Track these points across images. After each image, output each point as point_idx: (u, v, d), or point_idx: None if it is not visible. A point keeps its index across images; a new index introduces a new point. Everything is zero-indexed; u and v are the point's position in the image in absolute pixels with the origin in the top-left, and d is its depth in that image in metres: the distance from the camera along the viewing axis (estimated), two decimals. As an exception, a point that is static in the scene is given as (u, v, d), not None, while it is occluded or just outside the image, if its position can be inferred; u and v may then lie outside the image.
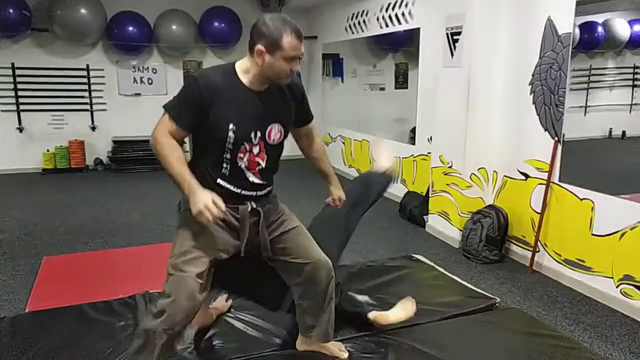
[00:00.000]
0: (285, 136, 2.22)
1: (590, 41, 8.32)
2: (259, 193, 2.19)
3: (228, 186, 2.10)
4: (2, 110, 7.17)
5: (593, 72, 9.09)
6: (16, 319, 2.93)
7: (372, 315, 2.77)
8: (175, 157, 1.98)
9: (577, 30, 7.99)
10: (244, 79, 2.05)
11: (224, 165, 2.08)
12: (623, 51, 9.10)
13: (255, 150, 2.11)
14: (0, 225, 4.85)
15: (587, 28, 8.15)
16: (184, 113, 2.02)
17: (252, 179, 2.14)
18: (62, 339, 2.68)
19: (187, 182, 1.96)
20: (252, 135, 2.08)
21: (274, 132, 2.14)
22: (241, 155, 2.08)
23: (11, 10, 6.50)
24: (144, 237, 4.50)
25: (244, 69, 2.05)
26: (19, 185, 6.65)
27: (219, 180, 2.09)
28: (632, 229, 3.04)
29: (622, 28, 8.41)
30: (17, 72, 7.11)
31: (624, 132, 9.44)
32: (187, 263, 2.04)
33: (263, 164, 2.15)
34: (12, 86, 7.13)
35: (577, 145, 8.31)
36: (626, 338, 2.83)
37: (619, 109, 9.39)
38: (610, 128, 9.42)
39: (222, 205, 1.95)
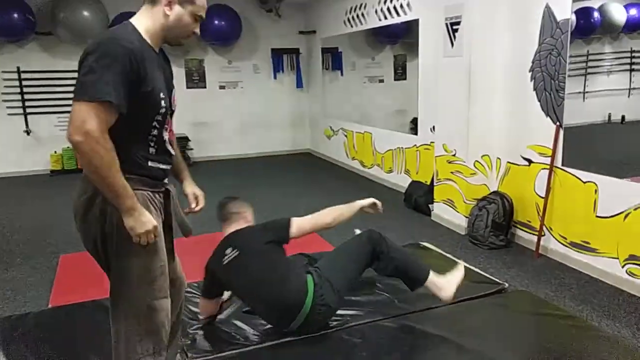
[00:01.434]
0: None
1: (587, 27, 8.36)
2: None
3: (158, 165, 1.84)
4: (9, 114, 7.26)
5: (590, 57, 9.14)
6: (41, 314, 3.03)
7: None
8: (118, 165, 1.64)
9: (574, 16, 8.05)
10: (149, 41, 1.77)
11: (151, 144, 1.80)
12: (619, 36, 9.15)
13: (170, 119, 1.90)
14: (14, 226, 4.96)
15: (584, 13, 8.20)
16: (122, 92, 1.63)
17: (171, 150, 1.92)
18: (84, 332, 2.79)
19: (132, 198, 1.67)
20: (172, 103, 1.89)
21: (175, 98, 1.95)
22: (166, 127, 1.85)
23: (16, 15, 6.57)
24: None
25: (145, 29, 1.76)
26: (28, 187, 6.75)
27: (149, 163, 1.81)
28: (635, 209, 3.13)
29: (618, 13, 8.46)
30: (23, 75, 7.20)
31: (623, 117, 9.49)
32: (160, 299, 1.83)
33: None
34: (18, 90, 7.22)
35: (577, 131, 8.39)
36: (634, 315, 2.92)
37: (618, 93, 9.44)
38: (609, 113, 9.50)
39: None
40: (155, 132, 1.80)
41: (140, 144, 1.78)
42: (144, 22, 1.78)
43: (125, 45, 1.64)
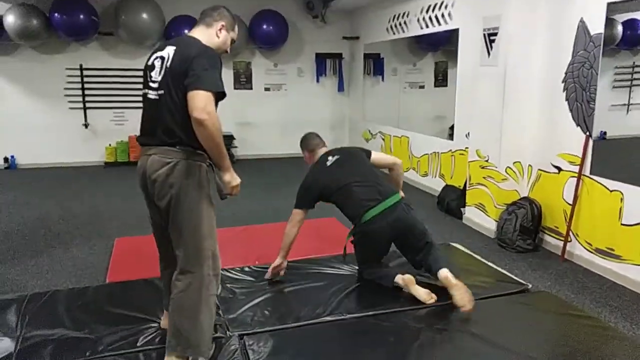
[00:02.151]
0: None
1: (633, 38, 8.29)
2: None
3: None
4: (70, 108, 7.81)
5: (636, 69, 9.05)
6: (99, 289, 3.39)
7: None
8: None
9: (620, 27, 8.03)
10: None
11: None
12: (668, 48, 9.01)
13: None
14: (74, 211, 5.41)
15: (630, 25, 8.14)
16: (222, 84, 2.26)
17: None
18: (137, 305, 3.10)
19: (229, 160, 2.33)
20: None
21: None
22: None
23: (82, 16, 7.09)
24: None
25: (205, 43, 2.35)
26: (84, 176, 7.26)
27: None
28: (658, 218, 3.24)
29: (666, 25, 8.35)
30: (85, 72, 7.75)
31: (670, 131, 9.35)
32: (217, 249, 2.45)
33: None
34: (79, 85, 7.78)
35: (618, 143, 8.33)
36: (650, 319, 3.04)
37: (665, 106, 9.30)
38: (656, 126, 9.35)
39: None
40: None
41: None
42: (203, 38, 2.38)
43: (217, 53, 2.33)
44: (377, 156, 3.53)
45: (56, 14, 7.05)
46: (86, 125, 7.93)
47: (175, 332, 2.37)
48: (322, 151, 3.55)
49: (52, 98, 7.73)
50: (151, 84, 2.36)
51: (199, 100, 2.14)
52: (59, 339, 2.74)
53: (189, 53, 2.25)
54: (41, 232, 4.71)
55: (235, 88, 8.37)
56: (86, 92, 7.82)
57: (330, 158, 3.41)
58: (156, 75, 2.33)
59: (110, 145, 7.96)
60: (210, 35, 2.41)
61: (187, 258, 2.36)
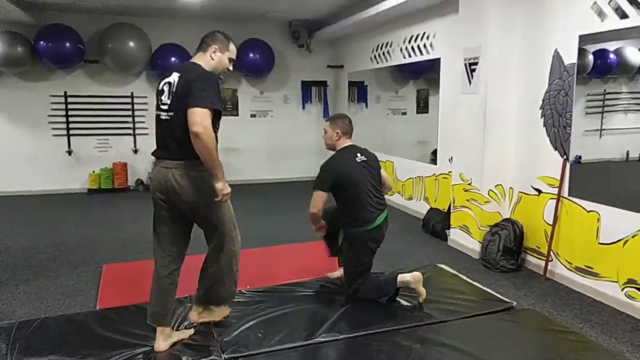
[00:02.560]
0: None
1: (604, 67, 8.68)
2: None
3: None
4: (54, 135, 7.80)
5: (607, 96, 9.43)
6: (90, 315, 3.40)
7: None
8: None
9: (591, 57, 8.41)
10: None
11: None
12: (636, 76, 9.44)
13: None
14: (59, 239, 5.38)
15: (600, 55, 8.54)
16: (218, 102, 2.67)
17: None
18: (129, 332, 3.12)
19: (222, 170, 2.65)
20: None
21: None
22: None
23: (67, 44, 7.15)
24: (192, 249, 4.94)
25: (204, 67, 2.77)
26: (68, 203, 7.22)
27: None
28: (633, 236, 3.40)
29: (633, 55, 8.78)
30: (69, 99, 7.76)
31: (640, 155, 9.71)
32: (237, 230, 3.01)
33: None
34: (64, 112, 7.78)
35: (593, 167, 8.63)
36: (629, 334, 3.16)
37: (635, 132, 9.68)
38: (627, 150, 9.70)
39: None
40: (217, 131, 2.71)
41: None
42: (202, 62, 2.81)
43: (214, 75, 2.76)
44: (384, 173, 3.75)
45: (41, 42, 7.10)
46: (70, 152, 7.91)
47: (211, 290, 3.05)
48: (349, 142, 3.66)
49: (35, 125, 7.72)
50: (162, 107, 2.77)
51: (196, 116, 2.53)
52: (51, 364, 2.74)
53: (189, 78, 2.66)
54: (27, 259, 4.68)
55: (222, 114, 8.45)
56: (70, 119, 7.83)
57: (359, 155, 3.58)
58: (165, 98, 2.74)
59: (93, 172, 7.95)
60: (206, 59, 2.82)
61: (222, 239, 2.92)
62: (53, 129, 7.80)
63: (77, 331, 3.12)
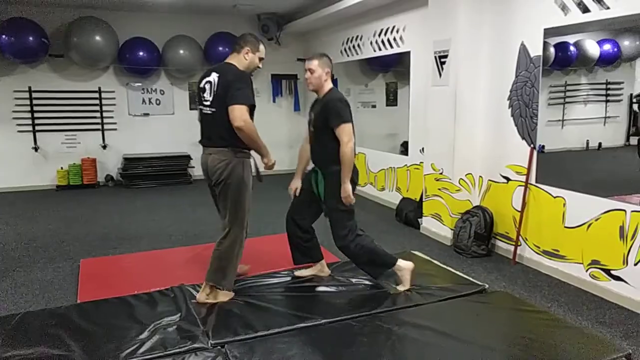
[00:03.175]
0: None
1: (564, 59, 9.05)
2: None
3: None
4: (19, 131, 7.62)
5: (568, 87, 9.83)
6: (72, 308, 3.38)
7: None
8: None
9: (552, 50, 8.74)
10: None
11: None
12: (595, 68, 9.86)
13: None
14: (30, 235, 5.30)
15: (561, 47, 8.88)
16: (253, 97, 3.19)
17: None
18: (114, 323, 3.15)
19: (266, 148, 3.37)
20: None
21: None
22: None
23: (31, 38, 6.98)
24: (167, 242, 4.97)
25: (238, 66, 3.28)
26: (36, 200, 7.08)
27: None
28: (596, 220, 3.60)
29: (592, 47, 9.16)
30: (34, 94, 7.60)
31: (599, 144, 10.16)
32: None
33: None
34: (28, 108, 7.61)
35: (556, 156, 8.98)
36: (594, 312, 3.36)
37: (595, 122, 10.12)
38: (587, 140, 10.12)
39: None
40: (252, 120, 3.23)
41: None
42: (237, 63, 3.29)
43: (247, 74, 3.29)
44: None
45: (3, 36, 6.92)
46: (36, 149, 7.75)
47: (217, 269, 3.34)
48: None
49: (-1, 121, 7.54)
50: (205, 102, 3.30)
51: (237, 112, 3.08)
52: (38, 357, 2.74)
53: (227, 79, 3.17)
54: None
55: (190, 109, 8.43)
56: (36, 114, 7.66)
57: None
58: (208, 95, 3.26)
59: (62, 168, 7.80)
60: (240, 59, 3.30)
61: (231, 223, 3.30)
62: (18, 125, 7.63)
63: (60, 324, 3.10)
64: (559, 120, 9.79)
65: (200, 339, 2.89)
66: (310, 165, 3.69)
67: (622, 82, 10.21)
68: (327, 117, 3.36)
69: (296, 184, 3.74)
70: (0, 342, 2.88)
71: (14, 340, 2.92)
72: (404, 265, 3.58)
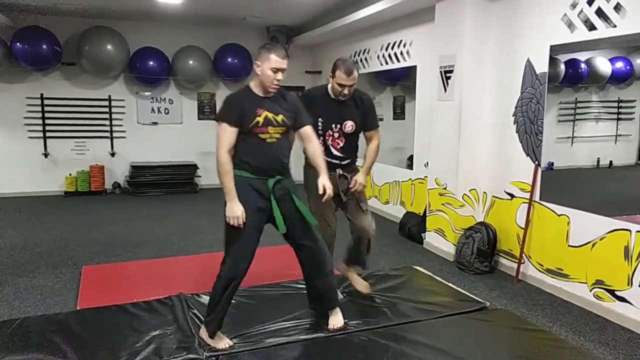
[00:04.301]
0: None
1: (575, 76, 8.98)
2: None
3: None
4: (30, 137, 7.72)
5: (579, 105, 9.75)
6: (70, 315, 3.39)
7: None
8: None
9: (562, 66, 8.69)
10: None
11: None
12: (606, 86, 9.77)
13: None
14: (36, 240, 5.34)
15: (571, 64, 8.83)
16: None
17: None
18: (112, 331, 3.15)
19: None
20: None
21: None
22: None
23: (44, 46, 7.09)
24: (169, 251, 4.98)
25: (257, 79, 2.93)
26: (44, 206, 7.14)
27: None
28: (601, 239, 3.55)
29: (603, 65, 9.10)
30: (46, 102, 7.70)
31: (610, 162, 10.05)
32: None
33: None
34: (40, 115, 7.71)
35: (565, 173, 8.90)
36: (597, 332, 3.30)
37: (605, 139, 10.02)
38: (598, 158, 10.03)
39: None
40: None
41: None
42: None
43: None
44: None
45: (18, 44, 7.04)
46: (46, 155, 7.83)
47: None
48: None
49: (11, 127, 7.63)
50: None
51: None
52: (33, 364, 2.75)
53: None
54: (4, 261, 4.64)
55: (199, 118, 8.50)
56: (47, 121, 7.76)
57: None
58: None
59: (70, 174, 7.87)
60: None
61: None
62: (29, 131, 7.73)
63: (58, 331, 3.12)
64: (569, 138, 9.71)
65: (195, 350, 2.89)
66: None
67: (635, 100, 10.12)
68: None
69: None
70: (-3, 347, 2.90)
71: (11, 345, 2.93)
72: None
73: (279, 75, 2.84)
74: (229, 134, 2.78)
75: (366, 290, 3.71)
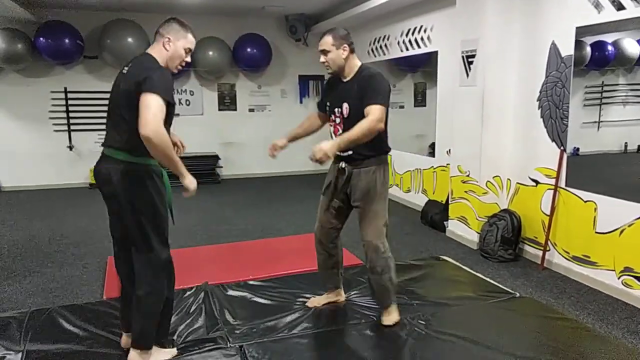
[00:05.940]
0: None
1: (601, 59, 8.75)
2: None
3: None
4: (55, 130, 7.85)
5: (605, 88, 9.50)
6: (98, 305, 3.46)
7: None
8: None
9: (589, 49, 8.47)
10: None
11: None
12: (635, 68, 9.49)
13: None
14: (63, 231, 5.45)
15: (598, 47, 8.60)
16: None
17: None
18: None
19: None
20: None
21: None
22: None
23: (67, 40, 7.19)
24: (193, 241, 5.03)
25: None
26: (69, 198, 7.27)
27: None
28: (629, 225, 3.46)
29: (631, 47, 8.83)
30: (69, 95, 7.81)
31: (639, 147, 9.78)
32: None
33: None
34: (64, 108, 7.83)
35: (591, 159, 8.71)
36: (625, 320, 3.23)
37: (633, 124, 9.75)
38: (626, 142, 9.78)
39: None
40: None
41: None
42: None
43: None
44: None
45: (41, 38, 7.13)
46: (71, 148, 7.96)
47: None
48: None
49: (36, 121, 7.76)
50: None
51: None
52: (62, 352, 2.81)
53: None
54: (32, 252, 4.75)
55: (219, 109, 8.53)
56: (71, 114, 7.87)
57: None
58: None
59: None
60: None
61: None
62: (54, 124, 7.85)
63: (87, 320, 3.18)
64: (595, 122, 9.48)
65: (220, 338, 2.92)
66: None
67: (665, 83, 9.82)
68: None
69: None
70: (29, 337, 2.97)
71: (41, 335, 3.00)
72: None
73: (189, 58, 2.65)
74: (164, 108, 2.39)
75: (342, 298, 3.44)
